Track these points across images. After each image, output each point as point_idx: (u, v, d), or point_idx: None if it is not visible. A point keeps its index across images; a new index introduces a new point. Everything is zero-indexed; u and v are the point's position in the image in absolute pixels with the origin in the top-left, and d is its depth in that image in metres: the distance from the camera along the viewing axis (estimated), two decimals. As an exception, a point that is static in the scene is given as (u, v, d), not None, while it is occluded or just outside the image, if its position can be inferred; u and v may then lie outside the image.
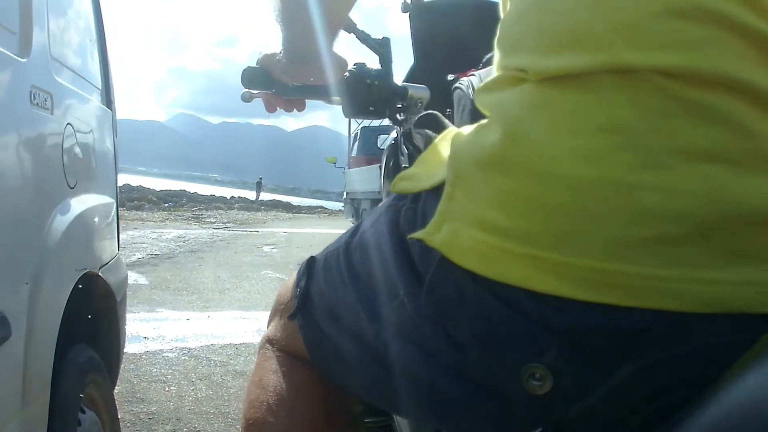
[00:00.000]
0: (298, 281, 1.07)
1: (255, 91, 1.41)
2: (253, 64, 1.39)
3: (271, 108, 1.42)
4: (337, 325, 0.96)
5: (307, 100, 1.45)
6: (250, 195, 52.32)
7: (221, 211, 25.51)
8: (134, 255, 10.09)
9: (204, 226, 17.51)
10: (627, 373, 0.63)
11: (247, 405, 1.12)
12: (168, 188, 51.54)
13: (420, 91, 1.50)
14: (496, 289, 0.68)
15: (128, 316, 5.94)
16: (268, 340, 1.19)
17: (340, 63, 1.32)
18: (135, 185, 44.37)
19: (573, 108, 0.66)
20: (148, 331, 5.41)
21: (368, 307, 0.89)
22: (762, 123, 0.61)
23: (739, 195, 0.60)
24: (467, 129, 0.81)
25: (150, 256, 10.21)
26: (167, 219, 18.80)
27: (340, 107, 1.47)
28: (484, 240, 0.69)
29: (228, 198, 45.38)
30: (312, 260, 1.08)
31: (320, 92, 1.40)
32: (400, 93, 1.47)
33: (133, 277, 7.90)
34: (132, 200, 24.34)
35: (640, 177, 0.61)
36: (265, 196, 54.54)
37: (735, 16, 0.62)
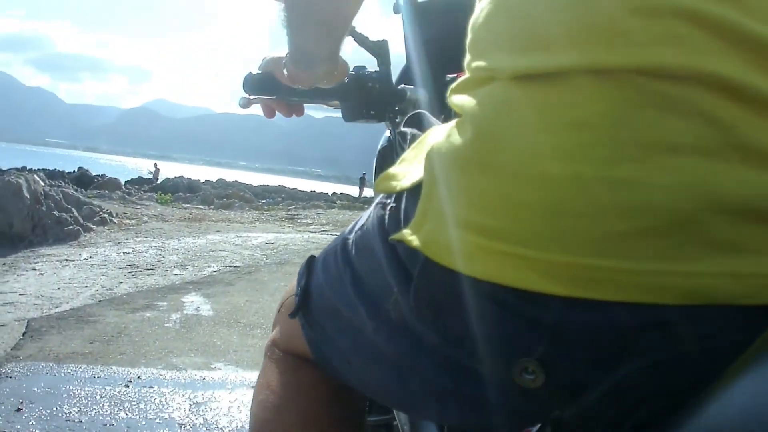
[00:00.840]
0: (299, 280, 1.13)
1: (252, 97, 1.49)
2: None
3: (269, 113, 1.53)
4: (337, 321, 1.01)
5: (305, 105, 1.56)
6: (353, 191, 51.62)
7: (320, 210, 23.40)
8: (208, 267, 8.60)
9: (299, 228, 15.69)
10: (620, 368, 0.64)
11: (256, 406, 1.21)
12: (266, 183, 51.38)
13: (417, 93, 1.63)
14: (479, 287, 0.71)
15: (168, 375, 3.52)
16: (274, 343, 1.27)
17: (343, 67, 1.40)
18: (230, 180, 44.26)
19: (544, 105, 0.68)
20: (187, 410, 3.67)
21: (366, 304, 0.92)
22: (736, 114, 0.63)
23: (716, 186, 0.62)
24: (444, 127, 0.85)
25: (227, 269, 8.66)
26: (257, 220, 17.05)
27: (339, 111, 1.66)
28: (462, 239, 0.72)
29: (329, 194, 44.62)
30: (312, 259, 1.14)
31: (322, 96, 1.54)
32: (399, 95, 1.60)
33: (196, 304, 6.36)
34: (221, 197, 22.76)
35: (613, 172, 0.63)
36: (368, 192, 53.38)
37: (707, 11, 0.63)
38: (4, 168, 29.07)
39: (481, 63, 0.78)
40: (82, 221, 11.33)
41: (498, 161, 0.69)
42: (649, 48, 0.64)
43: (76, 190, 16.34)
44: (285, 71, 1.35)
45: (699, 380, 0.59)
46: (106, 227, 11.94)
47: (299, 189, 49.26)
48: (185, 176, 39.37)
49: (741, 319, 0.62)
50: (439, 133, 0.84)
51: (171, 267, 8.50)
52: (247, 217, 17.24)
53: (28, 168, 32.69)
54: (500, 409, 0.78)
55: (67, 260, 8.75)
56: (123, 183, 28.74)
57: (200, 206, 19.99)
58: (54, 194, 11.67)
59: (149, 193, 22.61)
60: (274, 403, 1.17)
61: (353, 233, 1.03)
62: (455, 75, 1.45)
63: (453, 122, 0.81)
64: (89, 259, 8.88)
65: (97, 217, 12.17)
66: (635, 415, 0.65)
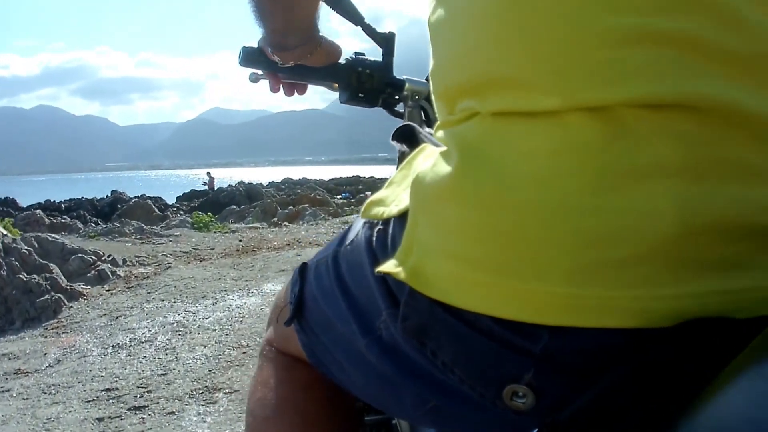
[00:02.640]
0: (292, 287, 1.16)
1: (260, 72, 1.60)
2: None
3: (275, 87, 1.64)
4: (331, 331, 1.03)
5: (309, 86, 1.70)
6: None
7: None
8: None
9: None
10: (609, 381, 0.65)
11: (254, 404, 1.25)
12: (339, 176, 48.71)
13: (418, 85, 1.69)
14: (466, 317, 0.74)
15: None
16: (269, 343, 1.31)
17: (331, 50, 1.55)
18: (297, 178, 41.04)
19: (526, 135, 0.69)
20: None
21: (357, 320, 0.94)
22: (721, 133, 0.64)
23: (702, 207, 0.63)
24: (431, 152, 0.89)
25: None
26: (342, 226, 11.50)
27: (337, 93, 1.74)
28: (448, 269, 0.74)
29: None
30: (304, 266, 1.17)
31: (316, 77, 1.61)
32: (397, 85, 1.69)
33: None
34: (286, 205, 17.73)
35: (597, 199, 0.64)
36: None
37: (689, 32, 0.64)
38: (24, 205, 25.71)
39: (457, 107, 0.79)
40: (64, 283, 7.28)
41: (481, 192, 0.71)
42: (632, 79, 0.64)
43: (91, 223, 12.14)
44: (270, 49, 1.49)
45: (696, 380, 0.60)
46: (104, 286, 7.70)
47: (376, 177, 46.96)
48: (245, 180, 35.50)
49: (735, 323, 0.62)
50: (427, 159, 0.87)
51: (182, 398, 4.20)
52: (325, 233, 12.13)
53: (52, 200, 29.30)
54: (495, 423, 0.81)
55: (16, 373, 5.06)
56: (172, 201, 24.87)
57: (257, 225, 14.76)
58: (20, 247, 7.57)
59: (182, 217, 17.22)
60: (272, 401, 1.21)
61: (343, 246, 1.05)
62: None
63: (439, 150, 0.82)
64: (48, 370, 5.05)
65: (92, 272, 8.01)
66: (633, 413, 0.64)
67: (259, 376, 1.28)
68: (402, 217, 0.86)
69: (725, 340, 0.61)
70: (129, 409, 4.03)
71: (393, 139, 1.24)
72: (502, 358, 0.72)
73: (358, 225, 1.03)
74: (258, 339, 5.24)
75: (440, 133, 0.85)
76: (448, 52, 0.81)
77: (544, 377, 0.71)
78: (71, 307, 6.80)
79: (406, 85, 1.68)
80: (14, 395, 4.53)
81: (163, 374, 4.60)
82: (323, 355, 1.09)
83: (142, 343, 5.43)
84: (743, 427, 0.49)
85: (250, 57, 1.54)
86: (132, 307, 6.66)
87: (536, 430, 0.71)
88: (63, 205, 24.70)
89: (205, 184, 37.23)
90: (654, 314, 0.64)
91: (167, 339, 5.45)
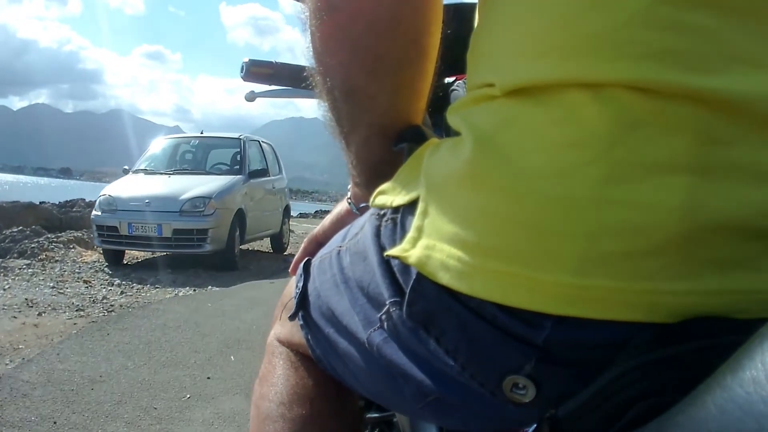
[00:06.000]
0: (297, 282, 1.14)
1: (257, 90, 1.53)
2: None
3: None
4: (333, 325, 1.02)
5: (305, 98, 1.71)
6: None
7: None
8: None
9: None
10: (610, 377, 0.64)
11: (259, 398, 1.20)
12: None
13: None
14: (471, 305, 0.72)
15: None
16: (276, 338, 1.27)
17: None
18: None
19: (540, 124, 0.68)
20: None
21: (360, 311, 0.93)
22: (733, 131, 0.62)
23: (712, 205, 0.61)
24: (441, 144, 0.86)
25: None
26: None
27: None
28: (456, 256, 0.72)
29: None
30: (308, 262, 1.14)
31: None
32: None
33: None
34: None
35: (607, 191, 0.63)
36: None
37: (708, 25, 0.62)
38: None
39: (478, 75, 0.78)
40: None
41: (493, 180, 0.69)
42: (643, 61, 0.62)
43: None
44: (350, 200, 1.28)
45: (698, 377, 0.57)
46: None
47: None
48: None
49: (738, 323, 0.61)
50: (437, 150, 0.84)
51: None
52: None
53: None
54: (494, 417, 0.79)
55: None
56: None
57: None
58: None
59: None
60: (277, 395, 1.17)
61: (347, 240, 1.03)
62: (454, 78, 1.55)
63: (451, 140, 0.81)
64: None
65: None
66: (634, 410, 0.62)
67: (264, 371, 1.24)
68: (411, 205, 0.82)
69: (728, 339, 0.58)
70: None
71: (399, 138, 1.21)
72: (504, 347, 0.70)
73: (362, 219, 1.00)
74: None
75: (454, 117, 0.80)
76: (487, 18, 0.78)
77: (545, 369, 0.68)
78: None
79: None
80: None
81: None
82: (325, 350, 1.05)
83: None
84: (745, 421, 0.47)
85: (254, 70, 1.38)
86: None
87: (535, 425, 0.70)
88: None
89: None
90: (658, 309, 0.62)
91: None
